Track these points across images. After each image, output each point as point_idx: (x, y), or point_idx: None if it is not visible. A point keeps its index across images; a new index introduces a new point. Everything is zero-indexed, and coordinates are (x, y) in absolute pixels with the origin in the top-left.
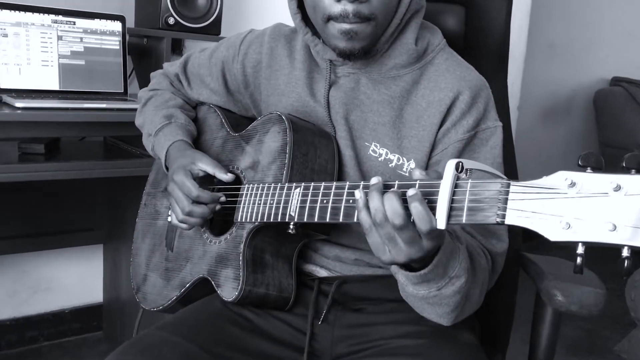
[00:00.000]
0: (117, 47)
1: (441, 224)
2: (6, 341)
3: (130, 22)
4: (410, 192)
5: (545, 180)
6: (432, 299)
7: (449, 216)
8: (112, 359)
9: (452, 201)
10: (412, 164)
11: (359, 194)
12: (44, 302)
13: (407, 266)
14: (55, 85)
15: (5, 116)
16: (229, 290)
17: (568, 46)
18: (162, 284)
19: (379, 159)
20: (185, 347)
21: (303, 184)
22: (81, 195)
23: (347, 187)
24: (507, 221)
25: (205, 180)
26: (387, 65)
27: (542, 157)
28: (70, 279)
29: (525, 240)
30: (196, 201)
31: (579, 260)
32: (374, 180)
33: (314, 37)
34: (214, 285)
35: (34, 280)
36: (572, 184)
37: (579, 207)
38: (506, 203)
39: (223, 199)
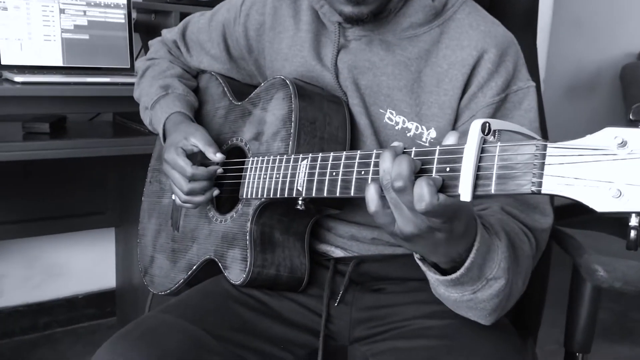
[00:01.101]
0: (122, 21)
1: (466, 195)
2: (20, 327)
3: None
4: (435, 177)
5: (589, 140)
6: (466, 303)
7: (475, 186)
8: (112, 343)
9: (478, 168)
10: (433, 133)
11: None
12: (57, 287)
13: (438, 268)
14: (58, 61)
15: (5, 91)
16: (236, 272)
17: (593, 20)
18: (169, 266)
19: (396, 128)
20: (190, 331)
21: (310, 155)
22: (92, 178)
23: (358, 156)
24: (545, 189)
25: (205, 155)
26: (402, 25)
27: (567, 134)
28: (83, 264)
29: (558, 217)
30: (194, 179)
31: (632, 234)
32: (395, 144)
33: None
34: (221, 267)
35: (47, 266)
36: (623, 143)
37: (632, 171)
38: (543, 168)
39: (220, 170)
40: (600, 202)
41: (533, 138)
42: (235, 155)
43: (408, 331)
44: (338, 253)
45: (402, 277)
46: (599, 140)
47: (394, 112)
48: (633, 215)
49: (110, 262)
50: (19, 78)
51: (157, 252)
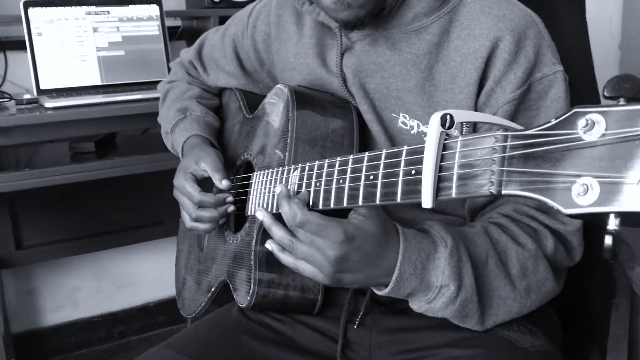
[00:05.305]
0: (157, 33)
1: (427, 201)
2: (96, 337)
3: (182, 4)
4: (277, 189)
5: (555, 124)
6: (434, 314)
7: (437, 189)
8: None
9: (440, 169)
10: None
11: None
12: (129, 297)
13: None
14: (96, 80)
15: (37, 118)
16: (242, 295)
17: None
18: (195, 289)
19: (412, 132)
20: None
21: (300, 165)
22: (149, 190)
23: (337, 164)
24: (505, 190)
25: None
26: (406, 17)
27: None
28: (151, 273)
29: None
30: (202, 205)
31: (607, 240)
32: (278, 190)
33: (313, 6)
34: (232, 289)
35: (117, 277)
36: (589, 126)
37: (602, 160)
38: (503, 164)
39: (230, 199)
40: (566, 201)
41: (511, 128)
42: (249, 170)
43: None
44: None
45: None
46: (565, 124)
47: (407, 115)
48: (612, 215)
49: None
50: (49, 103)
51: (187, 274)
